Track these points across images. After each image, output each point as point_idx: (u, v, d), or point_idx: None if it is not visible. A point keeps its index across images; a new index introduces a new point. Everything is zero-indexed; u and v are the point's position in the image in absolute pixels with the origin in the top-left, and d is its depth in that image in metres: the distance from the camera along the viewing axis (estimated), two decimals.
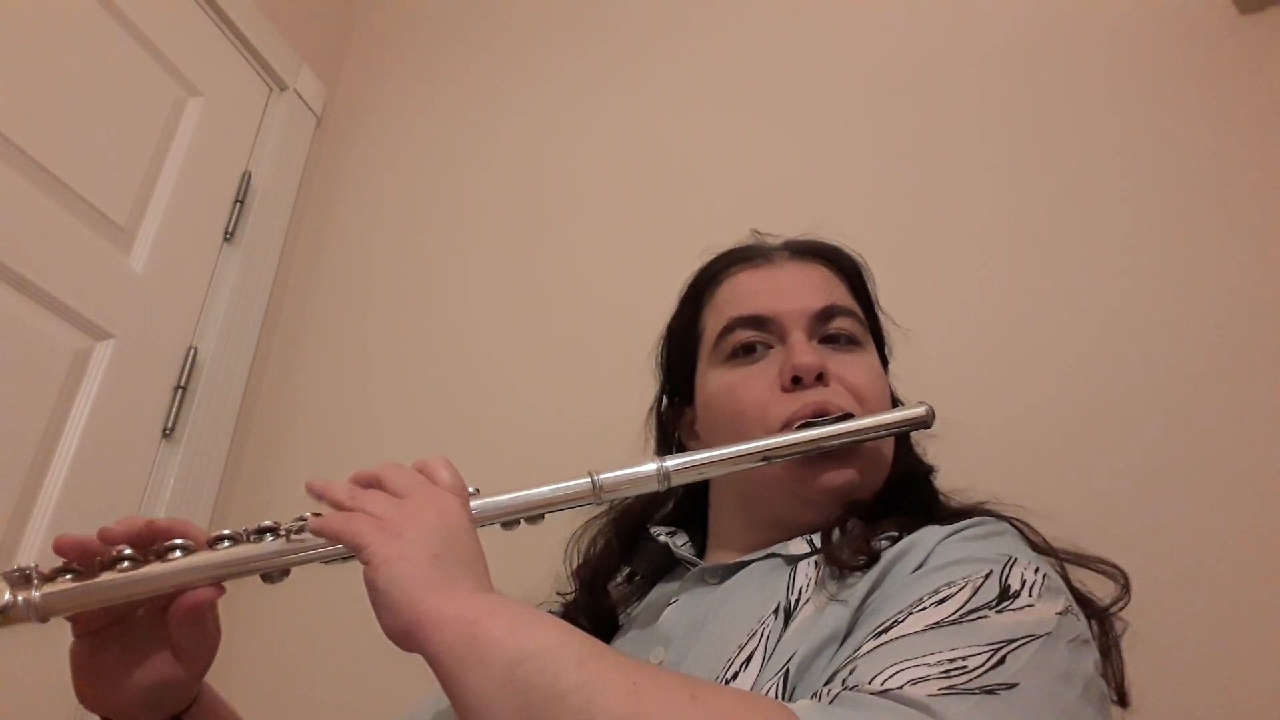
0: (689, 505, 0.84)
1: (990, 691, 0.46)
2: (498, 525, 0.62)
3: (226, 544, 0.58)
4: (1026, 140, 1.20)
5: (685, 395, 0.83)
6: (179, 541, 0.57)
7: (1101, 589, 0.67)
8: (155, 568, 0.56)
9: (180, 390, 1.37)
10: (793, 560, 0.67)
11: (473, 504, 0.60)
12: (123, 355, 1.30)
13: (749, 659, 0.59)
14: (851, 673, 0.48)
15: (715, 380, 0.77)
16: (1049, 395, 1.03)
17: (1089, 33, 1.22)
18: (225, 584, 0.58)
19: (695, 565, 0.74)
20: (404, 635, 0.48)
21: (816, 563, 0.65)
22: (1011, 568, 0.55)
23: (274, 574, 0.58)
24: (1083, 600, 0.62)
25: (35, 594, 0.53)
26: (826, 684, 0.50)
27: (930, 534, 0.61)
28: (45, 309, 1.21)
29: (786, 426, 0.70)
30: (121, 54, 1.39)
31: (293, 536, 0.58)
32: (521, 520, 0.63)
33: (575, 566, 0.82)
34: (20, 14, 1.24)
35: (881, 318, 0.85)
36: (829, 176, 1.30)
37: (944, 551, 0.58)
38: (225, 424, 1.43)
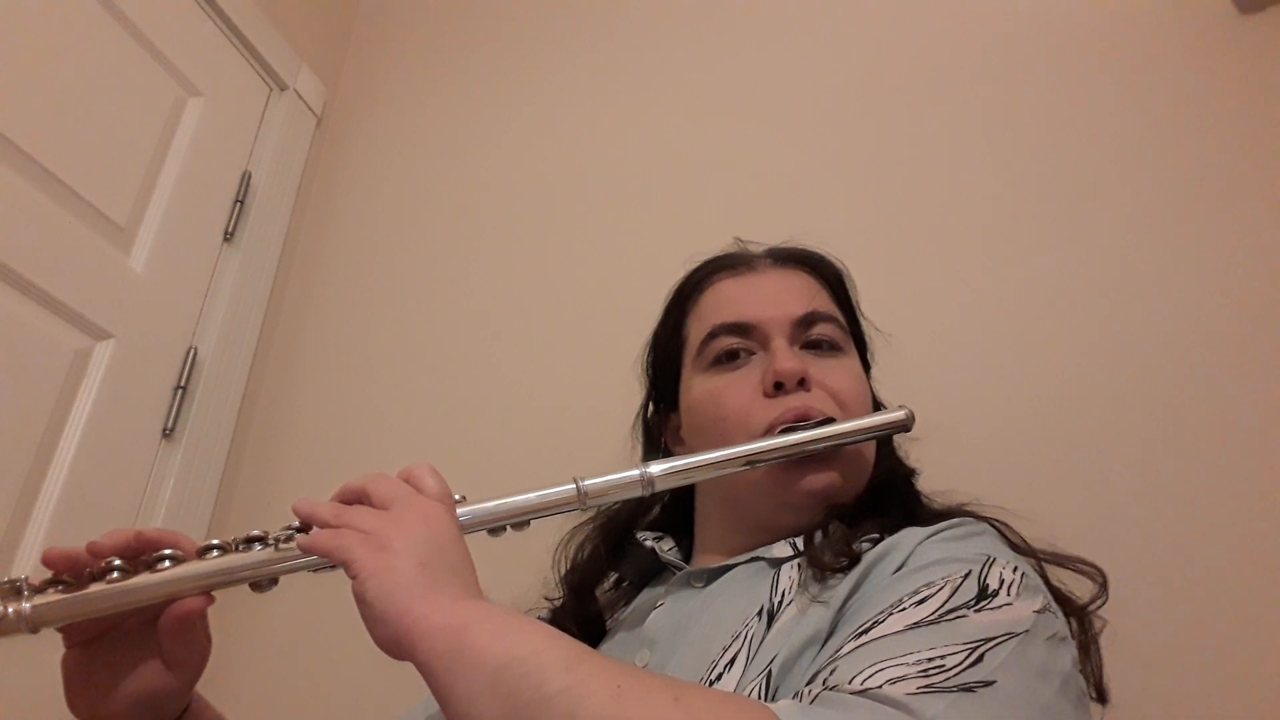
0: (675, 510, 0.85)
1: (968, 689, 0.47)
2: (484, 532, 0.62)
3: (215, 554, 0.58)
4: (1024, 140, 1.19)
5: (670, 402, 0.83)
6: (168, 552, 0.57)
7: (1080, 588, 0.68)
8: (144, 578, 0.57)
9: (180, 390, 1.38)
10: (776, 563, 0.68)
11: (458, 511, 0.60)
12: (123, 355, 1.30)
13: (732, 661, 0.60)
14: (832, 673, 0.49)
15: (699, 387, 0.78)
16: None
17: (1088, 33, 1.22)
18: (215, 594, 0.59)
19: (681, 569, 0.75)
20: (394, 645, 0.48)
21: (799, 565, 0.65)
22: (990, 567, 0.56)
23: (263, 583, 0.59)
24: (1061, 599, 0.63)
25: (25, 606, 0.54)
26: (808, 684, 0.51)
27: (910, 535, 0.61)
28: (45, 309, 1.22)
29: (769, 431, 0.71)
30: (121, 54, 1.39)
31: (281, 545, 0.58)
32: (508, 527, 0.63)
33: (563, 572, 0.83)
34: (20, 14, 1.25)
35: (863, 323, 0.86)
36: (826, 180, 1.30)
37: (924, 553, 0.59)
38: (225, 424, 1.44)
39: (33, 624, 0.54)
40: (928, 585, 0.54)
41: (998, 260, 1.13)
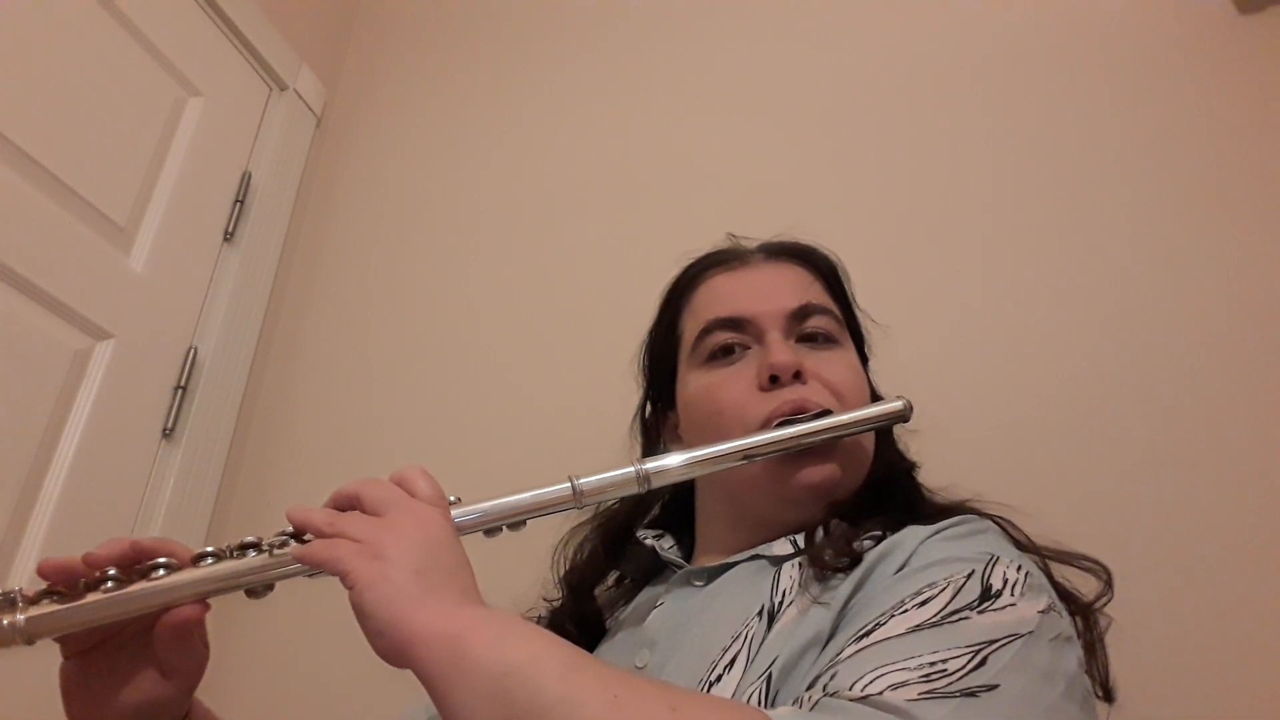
0: (675, 508, 0.84)
1: (970, 694, 0.46)
2: (480, 533, 0.62)
3: (210, 561, 0.58)
4: (1024, 140, 1.19)
5: (667, 399, 0.83)
6: (163, 561, 0.57)
7: (1085, 585, 0.67)
8: (139, 587, 0.56)
9: (180, 390, 1.38)
10: (777, 561, 0.67)
11: (453, 512, 0.60)
12: (123, 355, 1.30)
13: (732, 662, 0.59)
14: (833, 678, 0.49)
15: (695, 383, 0.77)
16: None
17: (1088, 33, 1.22)
18: (210, 601, 0.58)
19: (681, 568, 0.74)
20: (393, 654, 0.48)
21: (800, 564, 0.65)
22: (994, 566, 0.55)
23: (258, 589, 0.58)
24: (1066, 596, 0.62)
25: (20, 617, 0.54)
26: (808, 689, 0.50)
27: (912, 534, 0.61)
28: (45, 309, 1.22)
29: (765, 425, 0.71)
30: (121, 54, 1.39)
31: (275, 551, 0.58)
32: (504, 527, 0.63)
33: (563, 572, 0.83)
34: (20, 14, 1.24)
35: (859, 315, 0.85)
36: (826, 179, 1.30)
37: (926, 552, 0.58)
38: (225, 424, 1.44)
39: (28, 635, 0.54)
40: (930, 586, 0.53)
41: (997, 256, 1.13)
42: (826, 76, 1.38)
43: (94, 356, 1.28)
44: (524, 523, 0.63)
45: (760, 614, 0.62)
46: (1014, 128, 1.21)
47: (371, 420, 1.43)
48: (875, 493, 0.73)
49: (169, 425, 1.35)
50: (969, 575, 0.54)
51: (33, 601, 0.55)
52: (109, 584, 0.56)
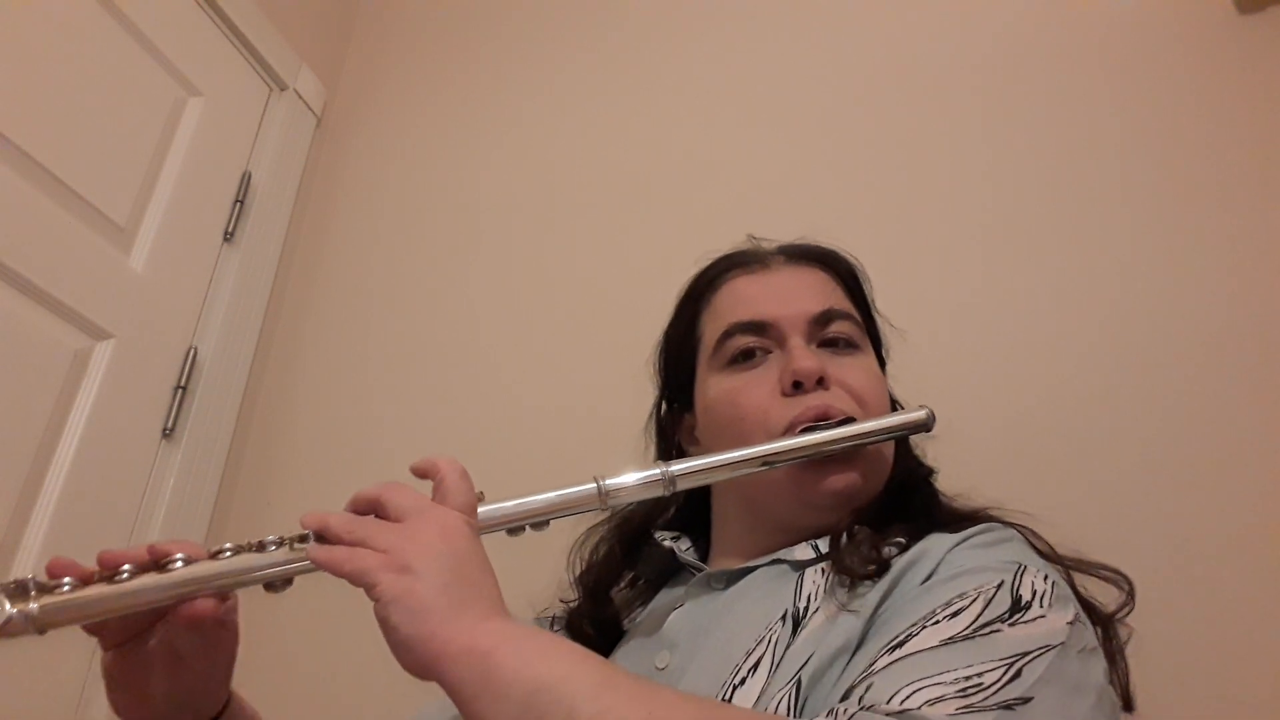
0: (690, 511, 0.84)
1: (1007, 707, 0.46)
2: (503, 532, 0.62)
3: (228, 554, 0.57)
4: (1025, 140, 1.20)
5: (684, 401, 0.83)
6: (179, 555, 0.56)
7: (1104, 594, 0.67)
8: (153, 578, 0.55)
9: (180, 390, 1.37)
10: (799, 566, 0.67)
11: (480, 510, 0.59)
12: (123, 355, 1.30)
13: (756, 665, 0.59)
14: (868, 690, 0.49)
15: (715, 386, 0.77)
16: (1049, 397, 1.03)
17: (1088, 33, 1.22)
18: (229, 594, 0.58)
19: (700, 570, 0.74)
20: (420, 669, 0.48)
21: (824, 570, 0.65)
22: (1022, 576, 0.55)
23: (277, 583, 0.58)
24: (1088, 606, 0.62)
25: (33, 606, 0.53)
26: (842, 700, 0.50)
27: (938, 542, 0.61)
28: (45, 309, 1.21)
29: (789, 431, 0.70)
30: (121, 54, 1.38)
31: (295, 546, 0.57)
32: (527, 527, 0.62)
33: (578, 573, 0.82)
34: (20, 14, 1.24)
35: (878, 320, 0.85)
36: (828, 178, 1.30)
37: (953, 561, 0.59)
38: (225, 424, 1.43)
39: (40, 625, 0.53)
40: (960, 596, 0.53)
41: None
42: (826, 75, 1.38)
43: (94, 356, 1.27)
44: (548, 523, 0.63)
45: (784, 618, 0.62)
46: (1014, 128, 1.21)
47: (371, 420, 1.42)
48: (895, 499, 0.73)
49: (169, 425, 1.34)
50: (999, 586, 0.54)
51: (46, 590, 0.54)
52: (124, 575, 0.55)
